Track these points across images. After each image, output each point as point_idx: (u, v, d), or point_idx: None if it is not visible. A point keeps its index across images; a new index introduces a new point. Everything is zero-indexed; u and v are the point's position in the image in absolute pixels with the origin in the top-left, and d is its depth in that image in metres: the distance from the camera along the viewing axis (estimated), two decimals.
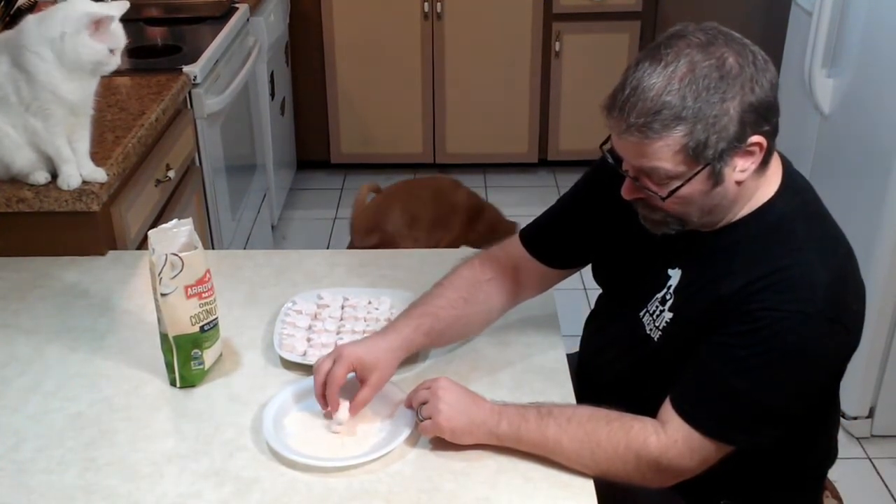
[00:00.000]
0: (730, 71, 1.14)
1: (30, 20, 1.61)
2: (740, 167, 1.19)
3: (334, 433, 1.29)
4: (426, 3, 3.81)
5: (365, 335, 1.44)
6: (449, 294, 1.43)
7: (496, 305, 1.48)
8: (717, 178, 1.19)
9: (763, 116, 1.17)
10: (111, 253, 1.78)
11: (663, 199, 1.21)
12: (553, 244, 1.49)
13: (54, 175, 1.72)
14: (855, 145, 2.46)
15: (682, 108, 1.14)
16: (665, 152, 1.16)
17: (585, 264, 1.52)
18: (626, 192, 1.27)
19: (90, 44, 1.58)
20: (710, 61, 1.14)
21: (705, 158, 1.16)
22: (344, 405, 1.29)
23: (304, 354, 1.43)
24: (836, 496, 1.54)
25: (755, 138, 1.17)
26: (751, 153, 1.19)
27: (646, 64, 1.16)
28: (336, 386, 1.28)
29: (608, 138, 1.25)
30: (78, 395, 1.38)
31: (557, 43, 3.88)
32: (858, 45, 2.44)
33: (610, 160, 1.27)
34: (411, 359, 1.45)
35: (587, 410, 1.26)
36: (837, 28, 2.51)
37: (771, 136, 1.20)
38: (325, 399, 1.30)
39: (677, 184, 1.19)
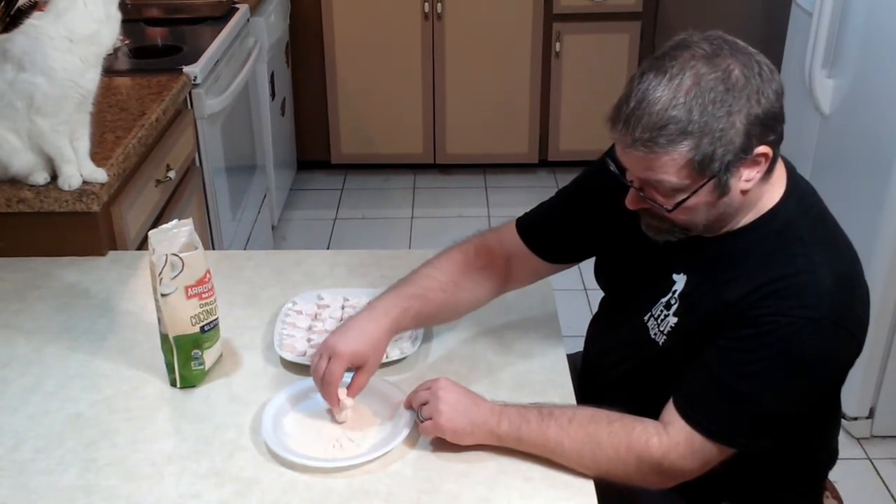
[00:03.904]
0: (735, 83, 1.13)
1: (39, 26, 1.59)
2: (746, 177, 1.19)
3: (342, 423, 1.30)
4: (426, 3, 3.81)
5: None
6: (440, 276, 1.42)
7: (485, 294, 1.48)
8: (722, 189, 1.18)
9: (769, 127, 1.16)
10: (111, 253, 1.78)
11: (669, 210, 1.21)
12: (551, 238, 1.48)
13: (54, 175, 1.72)
14: (855, 146, 2.46)
15: (688, 123, 1.13)
16: (671, 166, 1.16)
17: (580, 260, 1.51)
18: (630, 202, 1.26)
19: (116, 14, 1.64)
20: (715, 73, 1.13)
21: (711, 171, 1.16)
22: (342, 394, 1.30)
23: (305, 354, 1.43)
24: (837, 496, 1.54)
25: (761, 149, 1.17)
26: (756, 163, 1.18)
27: (650, 76, 1.15)
28: (335, 386, 1.28)
29: (613, 146, 1.25)
30: (78, 395, 1.38)
31: (557, 43, 3.88)
32: (858, 45, 2.44)
33: (614, 170, 1.26)
34: (411, 359, 1.45)
35: (588, 411, 1.25)
36: (837, 28, 2.51)
37: (776, 144, 1.19)
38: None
39: (683, 196, 1.19)
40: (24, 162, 1.70)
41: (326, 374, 1.28)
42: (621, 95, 1.18)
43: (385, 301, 1.38)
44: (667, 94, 1.14)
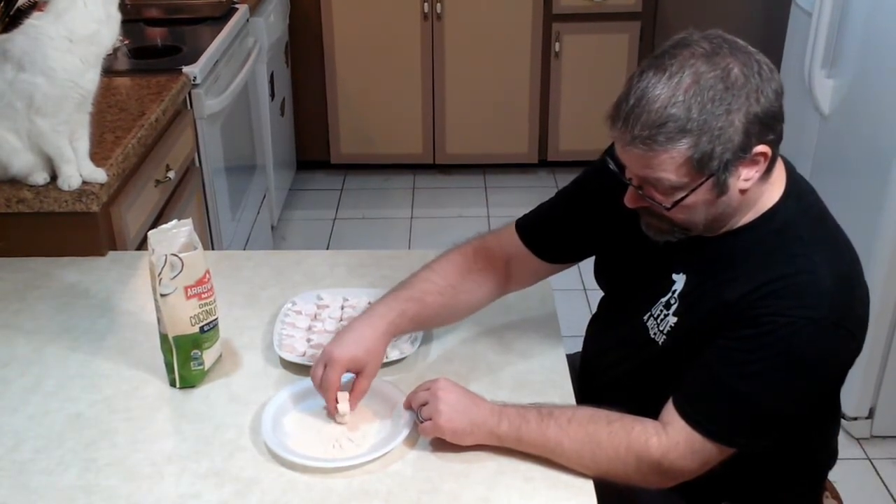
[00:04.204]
0: (735, 82, 1.14)
1: (39, 26, 1.59)
2: (745, 176, 1.19)
3: (340, 424, 1.30)
4: (426, 3, 3.81)
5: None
6: (438, 280, 1.42)
7: (484, 296, 1.48)
8: (721, 188, 1.18)
9: (768, 126, 1.16)
10: (111, 253, 1.78)
11: (667, 209, 1.21)
12: (551, 238, 1.48)
13: (53, 176, 1.72)
14: (855, 145, 2.46)
15: (688, 121, 1.13)
16: (670, 164, 1.16)
17: (579, 261, 1.51)
18: (629, 200, 1.26)
19: (115, 14, 1.64)
20: (715, 72, 1.13)
21: (710, 169, 1.16)
22: (343, 397, 1.30)
23: (304, 355, 1.44)
24: (837, 496, 1.54)
25: (760, 148, 1.17)
26: (755, 162, 1.18)
27: (650, 74, 1.15)
28: (333, 392, 1.29)
29: (612, 145, 1.25)
30: (78, 395, 1.38)
31: (557, 43, 3.88)
32: (858, 45, 2.44)
33: (613, 168, 1.27)
34: (411, 360, 1.45)
35: (588, 411, 1.25)
36: (837, 28, 2.51)
37: (775, 143, 1.19)
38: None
39: (682, 194, 1.19)
40: (23, 162, 1.70)
41: (324, 381, 1.29)
42: (621, 93, 1.18)
43: (382, 305, 1.38)
44: (666, 91, 1.14)
